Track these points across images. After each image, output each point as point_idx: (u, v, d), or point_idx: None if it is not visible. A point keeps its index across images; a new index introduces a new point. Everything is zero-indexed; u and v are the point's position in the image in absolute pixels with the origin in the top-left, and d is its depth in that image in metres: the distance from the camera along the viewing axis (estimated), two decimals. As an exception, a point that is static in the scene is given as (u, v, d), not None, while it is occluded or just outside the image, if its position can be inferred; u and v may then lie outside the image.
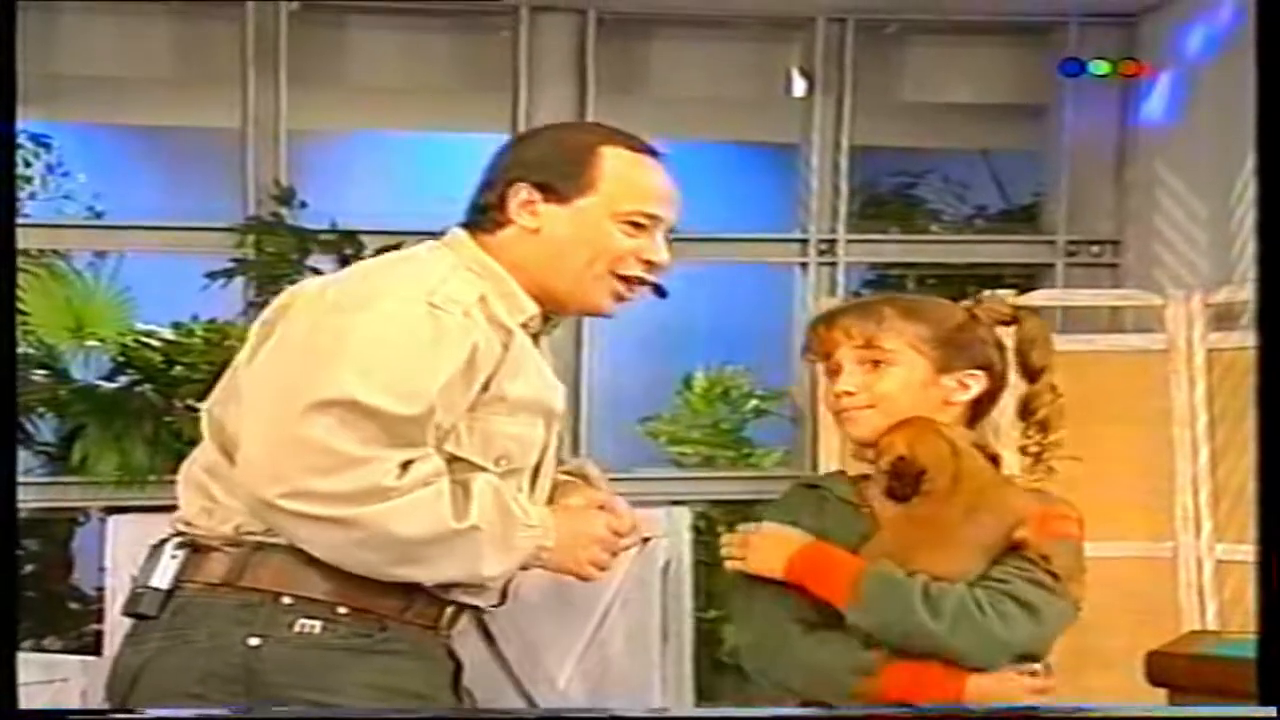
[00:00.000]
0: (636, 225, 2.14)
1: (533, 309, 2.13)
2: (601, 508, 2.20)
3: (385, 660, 2.02)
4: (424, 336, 1.98)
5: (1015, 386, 2.34)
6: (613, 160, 2.15)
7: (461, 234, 2.18)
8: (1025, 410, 2.33)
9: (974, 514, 2.16)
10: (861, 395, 2.23)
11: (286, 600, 2.00)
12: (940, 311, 2.30)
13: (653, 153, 2.20)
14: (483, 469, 2.05)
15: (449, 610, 2.10)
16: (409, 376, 1.95)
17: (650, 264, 2.17)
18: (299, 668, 1.99)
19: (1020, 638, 2.11)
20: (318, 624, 2.00)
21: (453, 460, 2.02)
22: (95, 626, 4.13)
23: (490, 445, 2.06)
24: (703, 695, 3.86)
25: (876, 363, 2.23)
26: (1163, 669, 2.95)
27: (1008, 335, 2.35)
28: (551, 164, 2.15)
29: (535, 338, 2.15)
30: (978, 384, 2.27)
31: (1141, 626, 3.53)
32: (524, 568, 2.10)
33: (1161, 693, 2.96)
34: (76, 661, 3.63)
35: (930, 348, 2.24)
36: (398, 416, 1.93)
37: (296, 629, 2.00)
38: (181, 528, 2.10)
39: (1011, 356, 2.33)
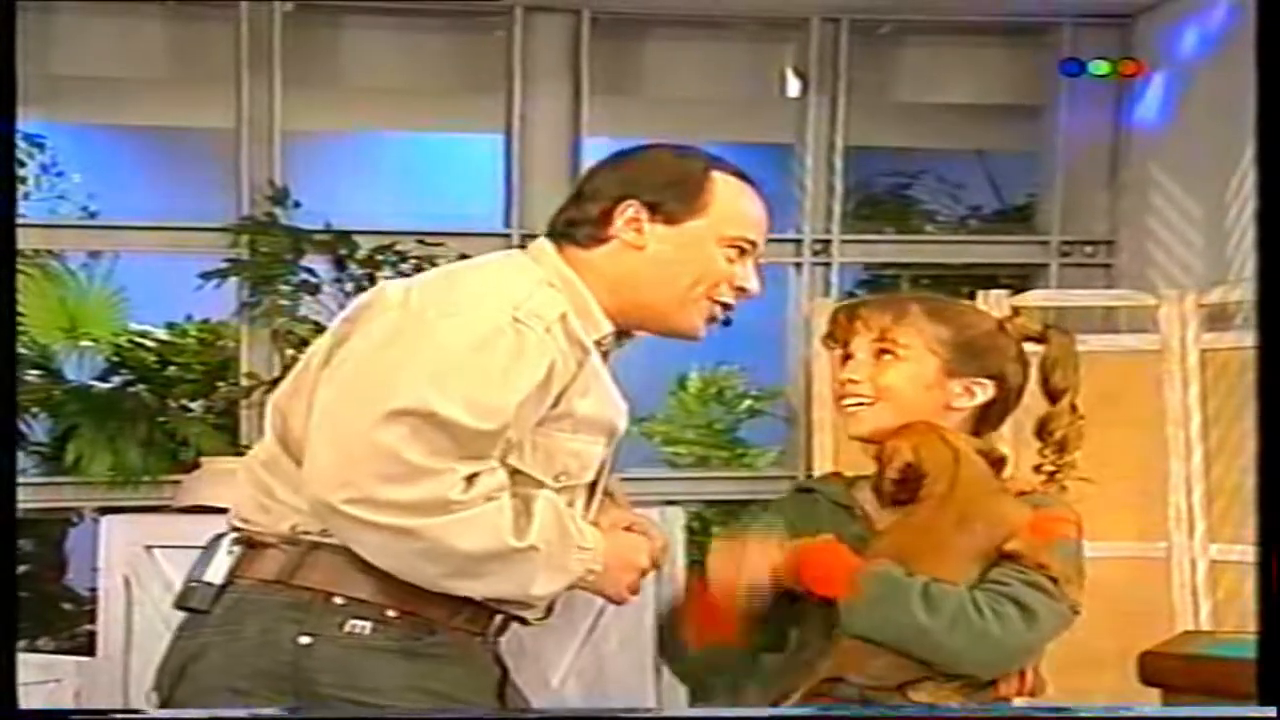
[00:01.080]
0: (739, 250, 2.16)
1: (608, 328, 2.13)
2: (633, 526, 2.20)
3: (431, 665, 2.03)
4: (506, 351, 1.97)
5: (1036, 405, 2.34)
6: (722, 185, 2.17)
7: (548, 246, 2.18)
8: (1043, 430, 2.33)
9: (967, 522, 2.16)
10: (866, 385, 2.24)
11: (338, 600, 2.00)
12: (967, 317, 2.31)
13: (750, 181, 2.22)
14: (542, 484, 2.05)
15: (497, 619, 2.11)
16: (488, 391, 1.94)
17: (743, 291, 2.18)
18: (347, 668, 1.99)
19: (1015, 641, 2.11)
20: (368, 625, 2.00)
21: (513, 473, 2.02)
22: (89, 627, 4.13)
23: (552, 461, 2.06)
24: (697, 696, 3.86)
25: (888, 355, 2.24)
26: (1156, 669, 2.95)
27: (1036, 352, 2.35)
28: (664, 185, 2.15)
29: (605, 355, 2.15)
30: (984, 393, 2.26)
31: (1135, 627, 3.53)
32: (570, 588, 2.10)
33: (1155, 693, 2.96)
34: (71, 662, 3.63)
35: (945, 350, 2.24)
36: (472, 430, 1.92)
37: (347, 629, 2.00)
38: (238, 524, 2.10)
39: (1035, 374, 2.33)
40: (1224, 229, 4.20)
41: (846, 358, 2.28)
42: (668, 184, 2.15)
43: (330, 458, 1.93)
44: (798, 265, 4.70)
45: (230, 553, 2.08)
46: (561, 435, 2.06)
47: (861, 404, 2.25)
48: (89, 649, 3.74)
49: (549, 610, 2.15)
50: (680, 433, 6.02)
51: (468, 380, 1.94)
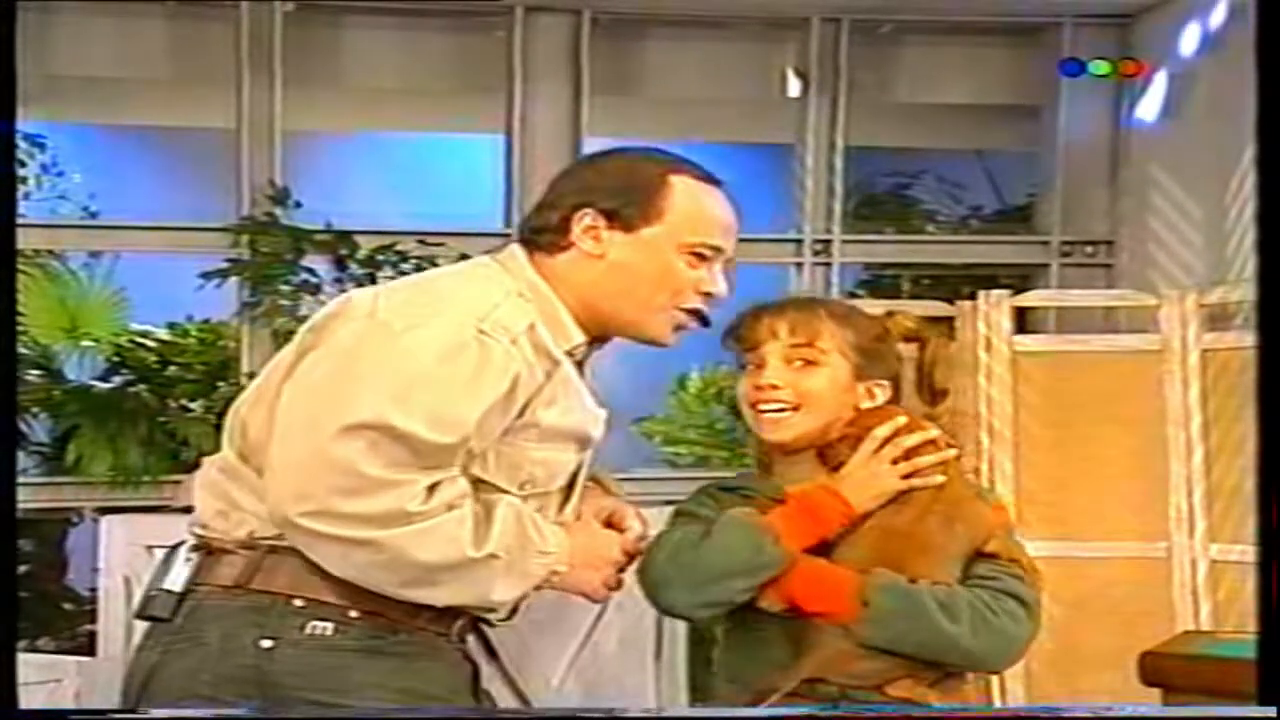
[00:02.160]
0: (699, 256, 2.12)
1: (579, 338, 2.11)
2: (611, 516, 2.19)
3: (398, 662, 2.02)
4: (468, 364, 1.95)
5: (916, 405, 2.33)
6: (681, 190, 2.12)
7: (519, 252, 2.14)
8: None
9: (950, 524, 2.17)
10: (787, 391, 2.23)
11: (299, 603, 1.99)
12: (865, 320, 2.31)
13: (716, 182, 2.18)
14: (506, 491, 2.04)
15: (460, 620, 2.10)
16: (449, 405, 1.93)
17: (708, 295, 2.15)
18: (311, 670, 1.98)
19: (1025, 633, 2.15)
20: (330, 626, 1.99)
21: (477, 482, 2.01)
22: (89, 627, 4.13)
23: (517, 471, 2.04)
24: (696, 695, 3.86)
25: (806, 362, 2.24)
26: (1157, 669, 2.95)
27: (910, 352, 2.35)
28: (619, 191, 2.11)
29: (580, 364, 2.14)
30: (884, 394, 2.27)
31: (1136, 627, 3.53)
32: (536, 588, 2.09)
33: (1156, 693, 2.96)
34: (71, 662, 3.63)
35: (854, 354, 2.25)
36: (432, 444, 1.91)
37: (309, 631, 1.98)
38: (198, 531, 2.09)
39: (913, 375, 2.33)
40: (1224, 229, 4.20)
41: (757, 364, 2.27)
42: (623, 190, 2.10)
43: (289, 470, 1.92)
44: (798, 265, 4.70)
45: (188, 560, 2.06)
46: (527, 445, 2.04)
47: (783, 410, 2.25)
48: (89, 649, 3.74)
49: (513, 611, 2.14)
50: (681, 433, 6.02)
51: (430, 394, 1.92)
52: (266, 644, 1.97)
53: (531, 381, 2.00)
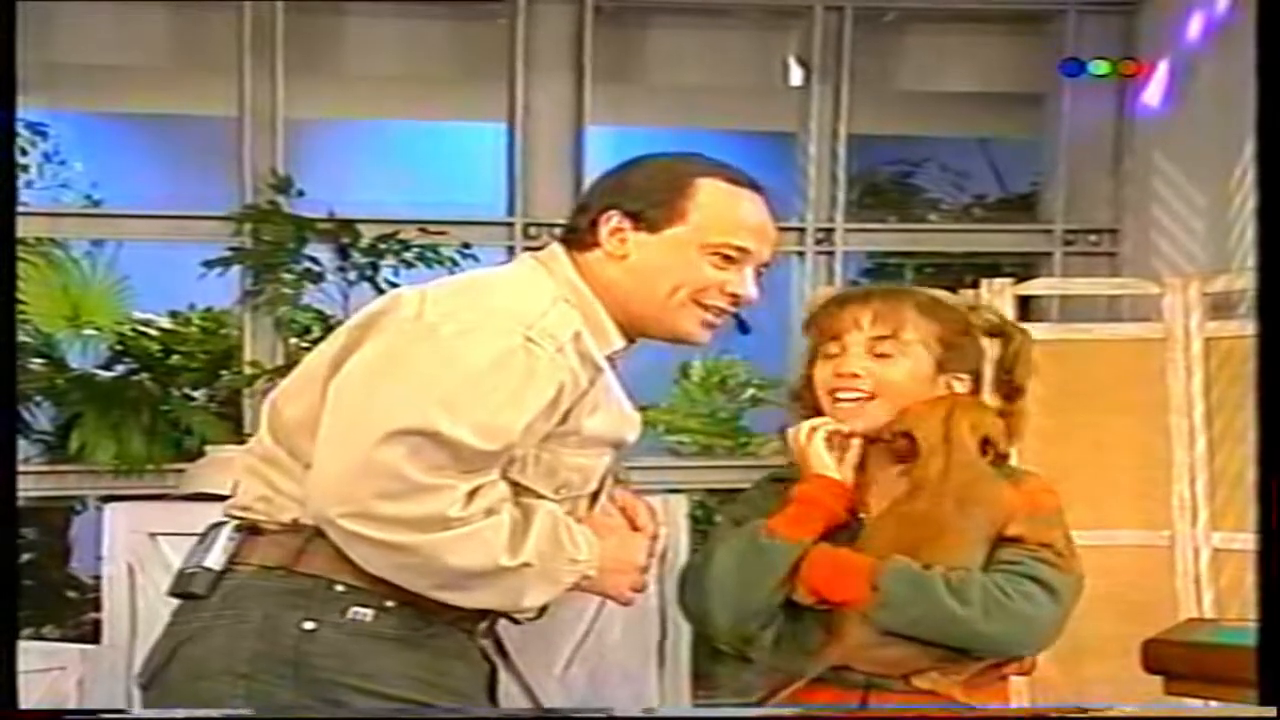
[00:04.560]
0: (726, 258, 2.13)
1: (620, 342, 2.13)
2: (626, 511, 2.20)
3: (428, 656, 2.03)
4: (516, 373, 1.96)
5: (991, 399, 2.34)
6: (708, 192, 2.13)
7: (560, 253, 2.16)
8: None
9: (965, 507, 2.17)
10: (867, 380, 2.24)
11: (339, 588, 2.00)
12: (952, 313, 2.31)
13: (754, 187, 2.19)
14: (543, 496, 2.05)
15: (486, 620, 2.12)
16: (496, 413, 1.94)
17: (735, 297, 2.16)
18: (348, 654, 1.99)
19: (1046, 616, 2.14)
20: (369, 613, 2.00)
21: (514, 485, 2.02)
22: (93, 615, 4.14)
23: (554, 476, 2.06)
24: (700, 683, 3.87)
25: (887, 351, 2.24)
26: (1160, 657, 2.95)
27: (990, 347, 2.35)
28: (644, 193, 2.13)
29: (613, 363, 2.15)
30: (963, 387, 2.28)
31: (1138, 614, 3.53)
32: (566, 592, 2.10)
33: (1158, 681, 2.96)
34: (75, 650, 3.64)
35: (938, 346, 2.25)
36: (476, 450, 1.92)
37: (349, 616, 2.00)
38: (237, 512, 2.10)
39: (991, 370, 2.34)
40: (1228, 216, 4.19)
41: (837, 353, 2.28)
42: (649, 192, 2.13)
43: (333, 471, 1.93)
44: (801, 254, 4.70)
45: (231, 539, 2.08)
46: (565, 451, 2.05)
47: (860, 399, 2.25)
48: (94, 637, 3.75)
49: (541, 611, 2.16)
50: (684, 421, 6.02)
51: (477, 401, 1.93)
52: (309, 625, 1.99)
53: (575, 389, 2.02)
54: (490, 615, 2.12)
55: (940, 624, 2.10)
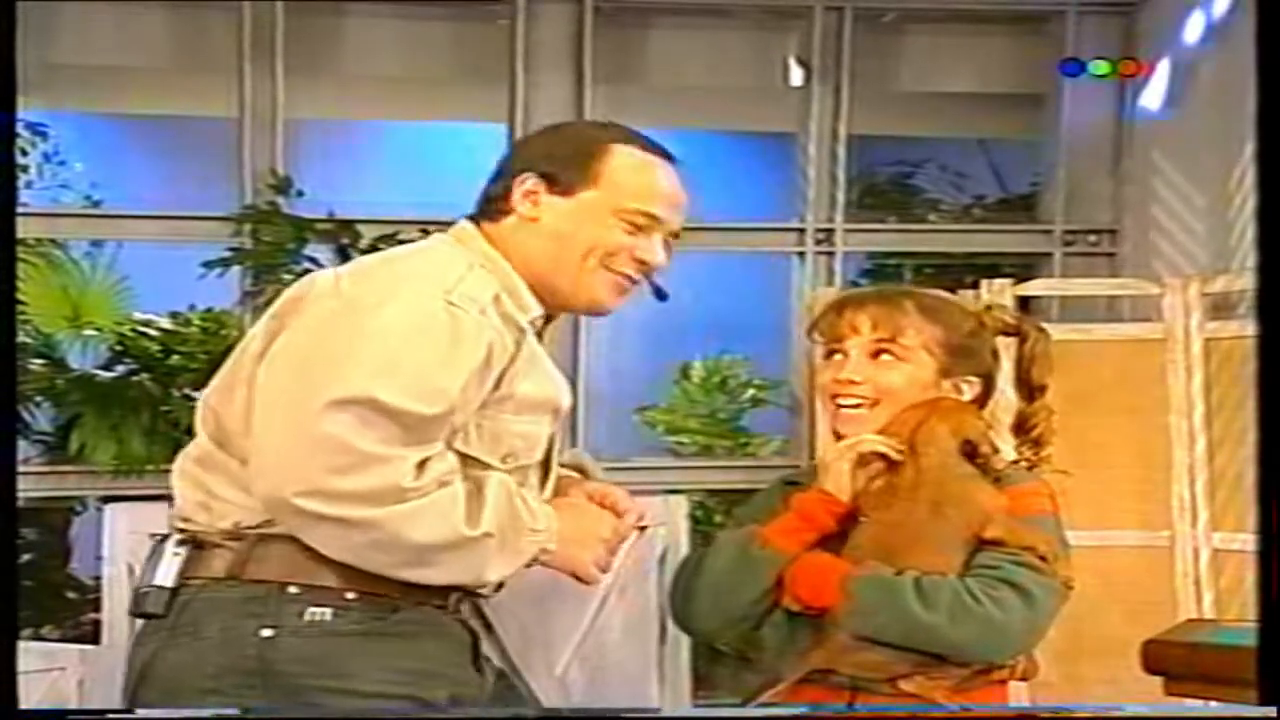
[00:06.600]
0: (636, 225, 2.15)
1: (537, 309, 2.14)
2: (603, 499, 2.20)
3: (400, 644, 2.02)
4: (443, 335, 1.97)
5: (1010, 402, 2.34)
6: (621, 158, 2.16)
7: (469, 227, 2.18)
8: (1021, 427, 2.33)
9: (940, 509, 2.16)
10: (866, 386, 2.23)
11: (294, 590, 1.99)
12: (957, 316, 2.30)
13: (667, 157, 2.21)
14: (490, 466, 2.05)
15: (455, 593, 2.11)
16: (430, 375, 1.94)
17: (644, 264, 2.17)
18: (314, 657, 1.98)
19: (1017, 623, 2.11)
20: (328, 611, 1.99)
21: (461, 458, 2.02)
22: (93, 616, 4.13)
23: (498, 443, 2.06)
24: (700, 683, 3.86)
25: (887, 355, 2.23)
26: (1159, 657, 2.95)
27: (1008, 346, 2.34)
28: (559, 156, 2.16)
29: (539, 335, 2.15)
30: (971, 390, 2.27)
31: (1138, 615, 3.53)
32: (526, 566, 2.10)
33: (1157, 681, 2.96)
34: (75, 651, 3.63)
35: (941, 351, 2.24)
36: (419, 416, 1.92)
37: (307, 618, 1.99)
38: (180, 524, 2.10)
39: (1010, 370, 2.33)
40: (1228, 217, 4.19)
41: (836, 354, 2.27)
42: (564, 155, 2.15)
43: (279, 452, 1.92)
44: (800, 254, 4.69)
45: (176, 554, 2.07)
46: (505, 417, 2.06)
47: (860, 405, 2.24)
48: (93, 637, 3.74)
49: (499, 585, 2.16)
50: (683, 422, 6.03)
51: (409, 366, 1.94)
52: (267, 633, 1.98)
53: (503, 351, 2.03)
54: (459, 591, 2.10)
55: (907, 630, 2.09)
